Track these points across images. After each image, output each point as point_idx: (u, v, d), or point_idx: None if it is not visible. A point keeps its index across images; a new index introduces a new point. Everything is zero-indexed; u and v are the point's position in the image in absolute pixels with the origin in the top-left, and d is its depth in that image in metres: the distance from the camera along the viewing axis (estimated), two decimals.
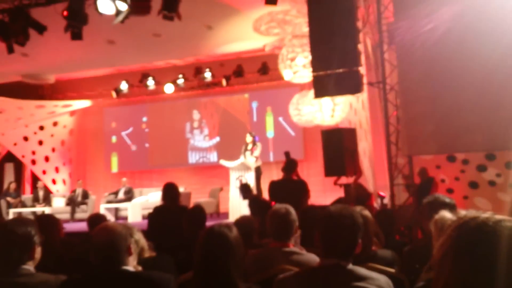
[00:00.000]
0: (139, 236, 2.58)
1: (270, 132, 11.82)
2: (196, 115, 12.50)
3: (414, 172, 6.73)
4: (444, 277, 0.93)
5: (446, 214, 2.41)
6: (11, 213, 10.47)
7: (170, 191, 4.75)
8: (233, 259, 1.89)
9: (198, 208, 3.89)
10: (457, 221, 0.98)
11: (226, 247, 1.90)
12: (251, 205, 5.58)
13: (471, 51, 5.74)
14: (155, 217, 4.71)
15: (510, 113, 5.62)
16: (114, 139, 13.11)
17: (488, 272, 0.88)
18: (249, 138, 8.84)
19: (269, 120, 11.87)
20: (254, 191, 8.75)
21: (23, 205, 11.13)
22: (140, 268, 2.32)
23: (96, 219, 3.95)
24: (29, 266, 2.10)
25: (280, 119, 11.56)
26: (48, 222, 3.53)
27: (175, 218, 3.99)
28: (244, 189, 6.81)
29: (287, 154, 7.85)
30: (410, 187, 6.66)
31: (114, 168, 13.09)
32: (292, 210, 2.70)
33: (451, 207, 2.72)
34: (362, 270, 1.89)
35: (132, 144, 12.97)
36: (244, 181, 8.56)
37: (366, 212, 2.99)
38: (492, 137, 5.80)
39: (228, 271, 1.87)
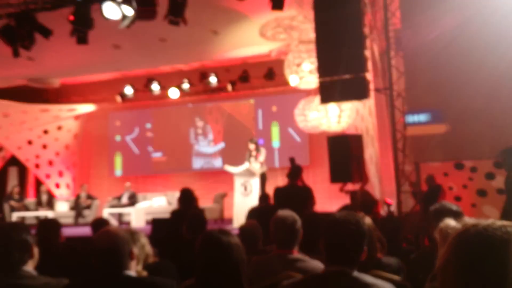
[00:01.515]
0: (145, 241, 2.60)
1: (275, 142, 11.79)
2: (201, 120, 12.50)
3: (421, 179, 6.67)
4: (447, 285, 0.92)
5: (450, 222, 2.40)
6: (15, 217, 10.46)
7: (186, 195, 4.97)
8: (232, 263, 1.86)
9: (198, 213, 3.90)
10: (459, 229, 0.98)
11: (222, 252, 1.87)
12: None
13: (479, 58, 5.72)
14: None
15: None
16: (118, 139, 13.11)
17: (491, 279, 0.87)
18: (251, 146, 8.79)
19: (275, 131, 11.85)
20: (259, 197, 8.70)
21: (26, 209, 11.12)
22: (145, 274, 2.33)
23: (99, 224, 3.98)
24: (30, 268, 2.13)
25: (287, 127, 11.52)
26: (51, 226, 3.56)
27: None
28: (263, 199, 6.78)
29: (292, 160, 7.81)
30: (417, 194, 6.60)
31: (118, 168, 13.07)
32: (298, 218, 2.70)
33: (458, 215, 2.72)
34: (367, 277, 1.87)
35: (136, 148, 12.98)
36: (249, 188, 8.51)
37: (368, 219, 2.98)
38: (499, 145, 5.74)
39: (229, 275, 1.85)
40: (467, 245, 0.92)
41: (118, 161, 13.08)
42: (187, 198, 4.95)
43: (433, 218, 2.82)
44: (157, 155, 12.73)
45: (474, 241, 0.91)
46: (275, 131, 11.83)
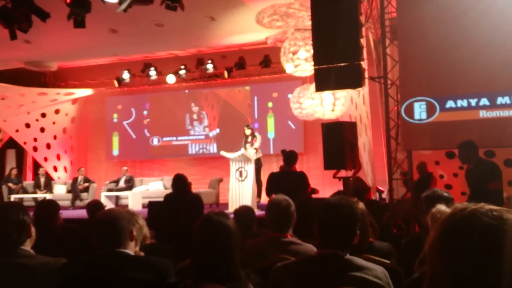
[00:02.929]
0: (143, 223, 2.63)
1: (271, 133, 11.79)
2: (196, 106, 12.52)
3: (413, 167, 6.75)
4: (434, 268, 0.92)
5: (442, 207, 2.43)
6: (12, 199, 10.55)
7: (179, 180, 5.05)
8: (229, 245, 1.87)
9: (196, 197, 3.93)
10: (447, 213, 0.97)
11: (221, 234, 1.88)
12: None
13: (474, 49, 5.72)
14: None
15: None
16: (115, 119, 13.11)
17: (475, 262, 0.87)
18: (247, 131, 8.85)
19: (270, 122, 11.84)
20: (254, 183, 8.79)
21: (25, 191, 11.20)
22: (142, 254, 2.33)
23: (94, 206, 4.05)
24: (28, 248, 2.13)
25: (282, 114, 11.50)
26: (49, 207, 3.57)
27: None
28: None
29: (283, 151, 7.86)
30: (409, 181, 6.69)
31: (115, 148, 13.08)
32: (292, 202, 2.73)
33: (449, 201, 2.74)
34: (359, 260, 1.90)
35: (133, 133, 13.02)
36: (244, 173, 8.61)
37: (361, 204, 3.01)
38: (488, 134, 5.81)
39: (226, 257, 1.85)
40: (454, 229, 0.91)
41: (115, 141, 13.08)
42: (180, 182, 5.00)
43: (425, 204, 2.85)
44: (154, 140, 12.80)
45: (460, 225, 0.90)
46: (270, 122, 11.84)
